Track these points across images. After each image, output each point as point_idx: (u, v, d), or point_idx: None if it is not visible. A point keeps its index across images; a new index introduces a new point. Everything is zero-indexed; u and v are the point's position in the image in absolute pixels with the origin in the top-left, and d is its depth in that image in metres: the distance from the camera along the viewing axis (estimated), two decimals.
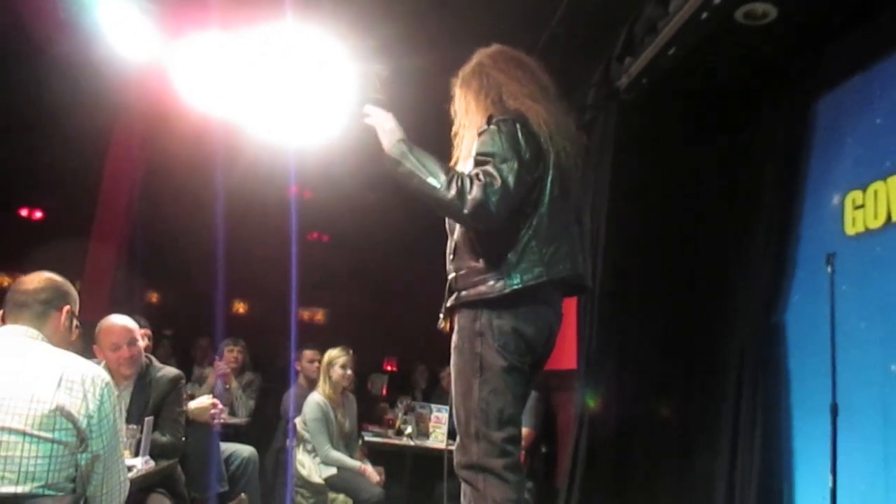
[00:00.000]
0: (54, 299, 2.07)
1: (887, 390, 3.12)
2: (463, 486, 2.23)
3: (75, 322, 2.16)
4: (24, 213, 8.34)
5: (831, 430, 2.94)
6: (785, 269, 3.93)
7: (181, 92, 3.79)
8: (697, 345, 4.47)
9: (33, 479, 1.74)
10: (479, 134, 2.28)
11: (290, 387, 5.22)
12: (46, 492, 1.75)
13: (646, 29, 4.07)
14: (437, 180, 2.14)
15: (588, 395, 4.42)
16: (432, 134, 2.78)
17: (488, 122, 2.28)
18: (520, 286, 2.17)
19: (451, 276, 2.32)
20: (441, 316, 2.39)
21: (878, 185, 3.33)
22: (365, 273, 8.82)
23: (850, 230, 3.50)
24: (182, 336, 6.75)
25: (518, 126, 2.23)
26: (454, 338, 2.28)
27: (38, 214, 8.41)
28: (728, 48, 3.87)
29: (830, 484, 2.92)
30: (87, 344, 3.08)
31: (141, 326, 3.38)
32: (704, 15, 3.54)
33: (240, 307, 9.46)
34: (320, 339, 5.38)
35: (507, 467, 2.14)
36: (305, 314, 9.59)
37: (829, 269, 3.08)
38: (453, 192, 2.12)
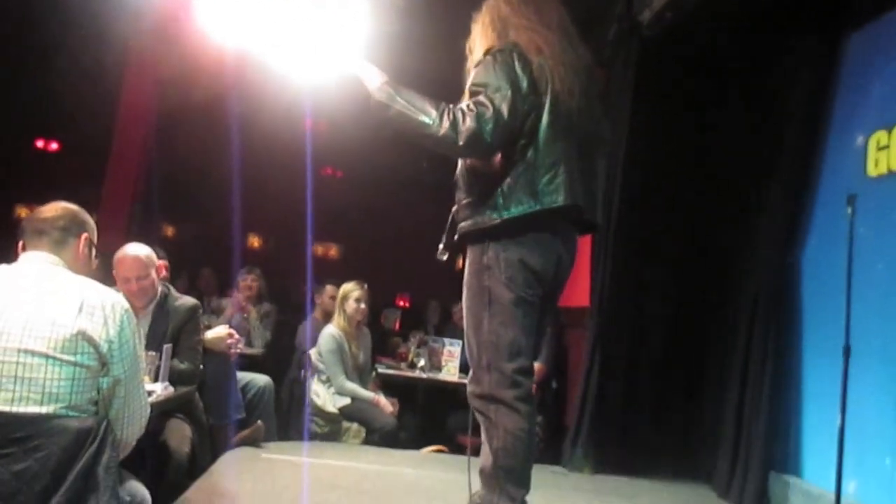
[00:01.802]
0: (72, 227, 2.08)
1: None
2: (477, 416, 2.29)
3: (94, 251, 2.18)
4: (39, 144, 8.33)
5: (843, 370, 2.95)
6: (805, 210, 3.90)
7: (196, 22, 3.73)
8: (713, 283, 4.47)
9: (56, 401, 1.78)
10: (476, 66, 2.27)
11: (308, 319, 5.29)
12: (70, 413, 1.79)
13: None
14: (428, 117, 2.14)
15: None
16: (446, 66, 2.74)
17: (485, 55, 2.26)
18: (512, 216, 2.18)
19: (454, 208, 2.35)
20: (441, 246, 2.42)
21: None
22: (378, 209, 8.82)
23: (872, 171, 3.45)
24: (198, 268, 6.80)
25: (515, 55, 2.22)
26: (465, 273, 2.31)
27: (54, 146, 8.39)
28: None
29: (839, 423, 2.94)
30: (107, 273, 3.12)
31: (159, 257, 3.41)
32: None
33: (254, 241, 9.51)
34: (334, 275, 5.42)
35: (518, 398, 2.19)
36: (319, 249, 9.64)
37: (849, 211, 3.03)
38: (446, 125, 2.12)
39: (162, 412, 2.76)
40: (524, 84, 2.19)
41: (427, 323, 7.05)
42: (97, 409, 1.89)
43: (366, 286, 4.75)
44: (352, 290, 4.70)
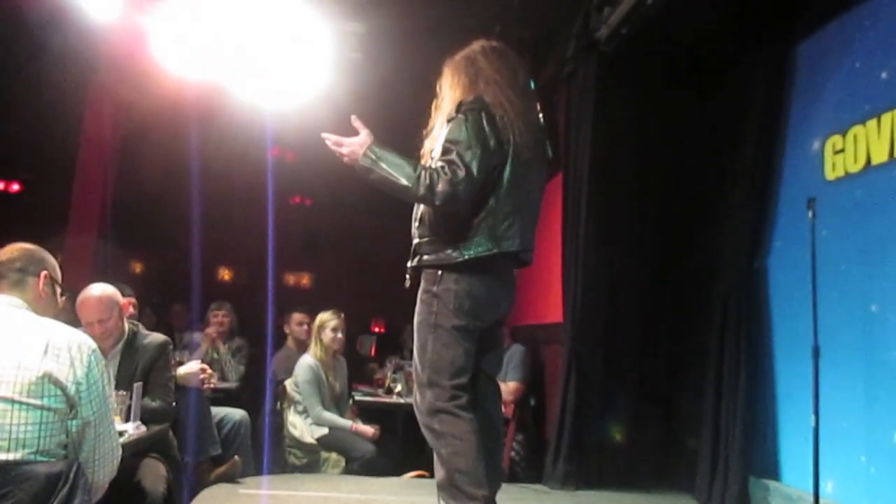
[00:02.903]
0: (30, 266, 2.05)
1: (868, 330, 3.18)
2: (424, 433, 2.49)
3: (58, 289, 2.14)
4: (0, 186, 8.20)
5: (813, 371, 2.99)
6: (767, 215, 3.96)
7: (156, 55, 3.72)
8: (682, 292, 4.52)
9: (24, 446, 1.74)
10: (449, 121, 2.52)
11: (268, 349, 5.25)
12: (38, 458, 1.76)
13: None
14: (407, 180, 2.38)
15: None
16: (407, 92, 2.83)
17: (457, 110, 2.51)
18: (473, 256, 2.45)
19: (416, 241, 2.60)
20: (407, 276, 2.65)
21: (857, 129, 3.34)
22: (349, 236, 8.80)
23: (830, 175, 3.52)
24: (169, 304, 6.71)
25: (483, 115, 2.48)
26: (418, 300, 2.56)
27: (16, 187, 8.27)
28: None
29: (813, 423, 2.98)
30: (75, 313, 3.07)
31: (125, 295, 3.36)
32: None
33: (225, 274, 9.42)
34: (308, 304, 5.38)
35: (458, 406, 2.43)
36: (291, 279, 9.58)
37: (809, 214, 3.09)
38: (423, 189, 2.38)
39: (135, 452, 2.71)
40: (492, 142, 2.46)
41: (403, 347, 7.01)
42: (67, 452, 1.85)
43: (342, 315, 4.72)
44: (328, 320, 4.66)
